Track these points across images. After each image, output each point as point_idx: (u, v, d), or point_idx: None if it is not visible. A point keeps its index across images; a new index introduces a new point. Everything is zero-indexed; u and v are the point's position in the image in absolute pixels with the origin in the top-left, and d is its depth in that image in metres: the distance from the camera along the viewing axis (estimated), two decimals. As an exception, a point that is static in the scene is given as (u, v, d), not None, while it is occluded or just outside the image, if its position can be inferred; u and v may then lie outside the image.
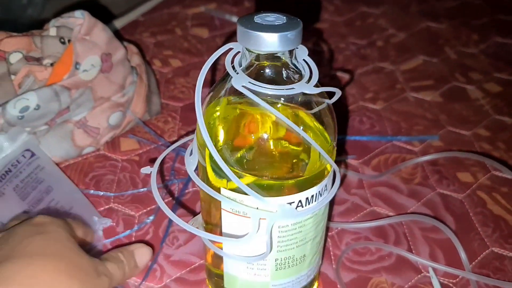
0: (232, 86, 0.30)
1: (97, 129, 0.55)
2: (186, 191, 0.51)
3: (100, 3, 0.83)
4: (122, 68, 0.55)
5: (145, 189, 0.51)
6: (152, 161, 0.55)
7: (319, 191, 0.33)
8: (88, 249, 0.42)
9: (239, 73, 0.30)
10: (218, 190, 0.32)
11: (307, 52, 0.32)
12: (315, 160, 0.32)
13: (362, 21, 0.89)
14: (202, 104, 0.30)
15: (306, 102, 0.32)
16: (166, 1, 0.92)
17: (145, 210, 0.49)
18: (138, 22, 0.85)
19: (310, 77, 0.31)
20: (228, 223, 0.33)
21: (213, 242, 0.35)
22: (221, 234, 0.34)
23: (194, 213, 0.49)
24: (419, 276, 0.43)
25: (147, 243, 0.44)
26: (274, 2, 0.81)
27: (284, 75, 0.31)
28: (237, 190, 0.31)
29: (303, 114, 0.32)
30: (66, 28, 0.53)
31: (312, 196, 0.32)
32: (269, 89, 0.29)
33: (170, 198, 0.51)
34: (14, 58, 0.50)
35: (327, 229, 0.47)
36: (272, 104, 0.30)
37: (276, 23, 0.29)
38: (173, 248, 0.45)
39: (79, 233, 0.39)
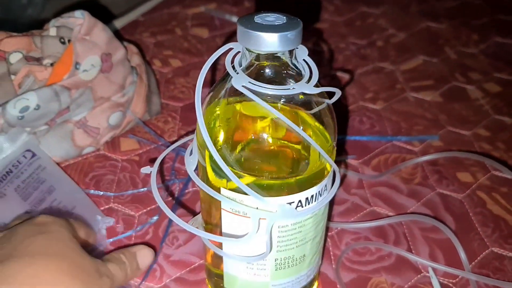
0: (232, 86, 0.30)
1: (97, 129, 0.55)
2: (186, 191, 0.51)
3: (100, 3, 0.83)
4: (122, 68, 0.55)
5: (145, 189, 0.51)
6: (152, 161, 0.55)
7: (319, 191, 0.33)
8: (91, 249, 0.42)
9: (239, 73, 0.30)
10: (218, 190, 0.32)
11: (307, 52, 0.32)
12: (315, 159, 0.32)
13: (362, 21, 0.89)
14: (202, 104, 0.30)
15: (306, 102, 0.32)
16: (166, 1, 0.92)
17: (145, 210, 0.49)
18: (138, 22, 0.85)
19: (310, 77, 0.31)
20: (228, 223, 0.33)
21: (212, 242, 0.35)
22: (221, 234, 0.34)
23: (194, 213, 0.49)
24: (418, 276, 0.43)
25: (147, 243, 0.44)
26: (274, 2, 0.81)
27: (284, 75, 0.31)
28: (237, 190, 0.31)
29: (303, 114, 0.32)
30: (66, 28, 0.53)
31: (312, 196, 0.32)
32: (269, 89, 0.29)
33: (170, 198, 0.51)
34: (14, 58, 0.50)
35: (327, 229, 0.47)
36: (272, 104, 0.30)
37: (276, 23, 0.29)
38: (173, 248, 0.45)
39: (81, 233, 0.39)
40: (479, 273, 0.43)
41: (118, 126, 0.57)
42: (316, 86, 0.31)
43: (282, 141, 0.32)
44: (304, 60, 0.32)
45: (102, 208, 0.49)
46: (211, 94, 0.33)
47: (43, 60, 0.51)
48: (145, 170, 0.35)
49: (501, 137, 0.61)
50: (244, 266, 0.35)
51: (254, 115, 0.32)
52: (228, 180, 0.31)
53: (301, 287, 0.38)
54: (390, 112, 0.65)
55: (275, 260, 0.34)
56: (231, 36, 0.82)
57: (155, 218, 0.47)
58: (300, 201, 0.32)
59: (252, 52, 0.30)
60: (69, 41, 0.52)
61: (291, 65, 0.31)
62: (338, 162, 0.55)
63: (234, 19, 0.86)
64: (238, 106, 0.32)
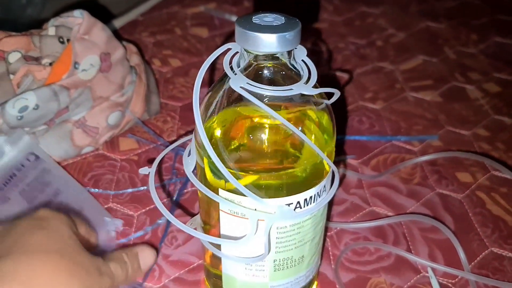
0: (230, 87, 0.30)
1: (96, 129, 0.55)
2: (185, 191, 0.51)
3: (100, 3, 0.83)
4: (121, 67, 0.55)
5: (144, 187, 0.51)
6: (150, 162, 0.55)
7: (318, 192, 0.33)
8: (93, 247, 0.41)
9: (237, 73, 0.30)
10: (216, 191, 0.32)
11: (305, 53, 0.32)
12: (314, 159, 0.32)
13: (361, 21, 0.89)
14: (200, 105, 0.30)
15: (305, 103, 0.32)
16: (165, 1, 0.92)
17: (144, 210, 0.49)
18: (137, 21, 0.85)
19: (309, 78, 0.31)
20: (226, 224, 0.33)
21: (211, 243, 0.35)
22: (219, 234, 0.34)
23: (192, 214, 0.49)
24: (418, 276, 0.43)
25: (146, 243, 0.44)
26: (274, 1, 0.80)
27: (283, 76, 0.31)
28: (235, 191, 0.31)
29: (302, 114, 0.32)
30: (65, 27, 0.53)
31: (311, 197, 0.32)
32: (267, 90, 0.29)
33: (169, 199, 0.51)
34: (13, 57, 0.50)
35: (326, 229, 0.47)
36: (272, 104, 0.30)
37: (275, 24, 0.29)
38: (172, 248, 0.45)
39: (81, 230, 0.39)
40: (479, 274, 0.43)
41: (117, 126, 0.57)
42: (315, 86, 0.31)
43: (282, 141, 0.32)
44: (302, 60, 0.32)
45: (101, 208, 0.49)
46: (209, 94, 0.33)
47: (42, 59, 0.51)
48: (143, 171, 0.35)
49: (500, 137, 0.61)
50: (243, 267, 0.35)
51: (252, 114, 0.32)
52: (226, 181, 0.30)
53: (300, 288, 0.38)
54: (390, 112, 0.65)
55: (274, 261, 0.34)
56: (231, 36, 0.82)
57: (163, 220, 0.47)
58: (298, 202, 0.32)
59: (250, 52, 0.30)
60: (68, 40, 0.52)
61: (290, 66, 0.31)
62: (337, 162, 0.55)
63: (234, 18, 0.86)
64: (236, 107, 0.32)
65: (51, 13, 0.72)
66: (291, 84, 0.30)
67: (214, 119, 0.32)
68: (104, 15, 0.69)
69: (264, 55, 0.30)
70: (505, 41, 0.83)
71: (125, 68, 0.56)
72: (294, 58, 0.31)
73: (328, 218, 0.49)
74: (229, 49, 0.31)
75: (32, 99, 0.48)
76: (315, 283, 0.41)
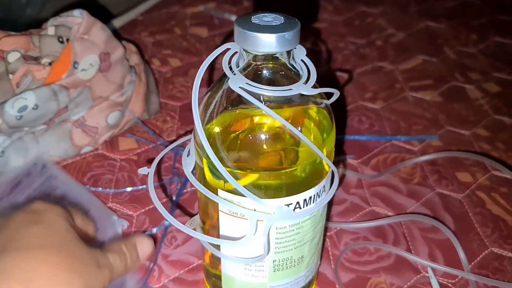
0: (229, 87, 0.29)
1: (96, 129, 0.55)
2: (184, 191, 0.51)
3: (99, 3, 0.83)
4: (120, 67, 0.55)
5: (144, 186, 0.51)
6: (150, 161, 0.55)
7: (317, 193, 0.32)
8: (90, 239, 0.41)
9: (236, 74, 0.30)
10: (215, 191, 0.32)
11: (305, 53, 0.32)
12: (313, 159, 0.32)
13: (361, 21, 0.89)
14: (199, 105, 0.30)
15: (304, 103, 0.32)
16: (165, 1, 0.92)
17: (143, 210, 0.49)
18: (137, 21, 0.85)
19: (308, 78, 0.31)
20: (226, 224, 0.33)
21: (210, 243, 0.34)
22: (218, 235, 0.34)
23: (192, 214, 0.49)
24: (418, 276, 0.43)
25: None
26: (273, 1, 0.80)
27: (282, 76, 0.31)
28: (234, 192, 0.31)
29: (301, 114, 0.32)
30: (65, 27, 0.53)
31: (310, 197, 0.32)
32: (267, 90, 0.29)
33: (168, 199, 0.51)
34: (12, 57, 0.50)
35: (326, 229, 0.47)
36: (271, 104, 0.30)
37: (274, 24, 0.29)
38: (171, 248, 0.45)
39: (78, 221, 0.38)
40: (479, 273, 0.43)
41: (116, 126, 0.57)
42: (315, 86, 0.31)
43: (281, 140, 0.32)
44: (302, 60, 0.32)
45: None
46: (208, 94, 0.33)
47: (41, 59, 0.51)
48: (142, 171, 0.34)
49: (500, 137, 0.61)
50: (242, 268, 0.35)
51: (251, 114, 0.32)
52: (226, 181, 0.30)
53: (300, 288, 0.38)
54: (389, 112, 0.65)
55: (273, 262, 0.34)
56: (230, 36, 0.81)
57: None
58: (298, 202, 0.32)
59: (250, 52, 0.30)
60: (67, 40, 0.52)
61: (289, 66, 0.31)
62: (337, 162, 0.55)
63: (233, 18, 0.86)
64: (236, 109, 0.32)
65: (51, 13, 0.72)
66: (290, 84, 0.30)
67: (214, 122, 0.32)
68: (103, 15, 0.69)
69: (263, 55, 0.30)
70: (505, 41, 0.83)
71: (125, 68, 0.56)
72: (293, 58, 0.31)
73: (328, 218, 0.49)
74: (228, 49, 0.31)
75: (31, 98, 0.48)
76: (315, 283, 0.41)
